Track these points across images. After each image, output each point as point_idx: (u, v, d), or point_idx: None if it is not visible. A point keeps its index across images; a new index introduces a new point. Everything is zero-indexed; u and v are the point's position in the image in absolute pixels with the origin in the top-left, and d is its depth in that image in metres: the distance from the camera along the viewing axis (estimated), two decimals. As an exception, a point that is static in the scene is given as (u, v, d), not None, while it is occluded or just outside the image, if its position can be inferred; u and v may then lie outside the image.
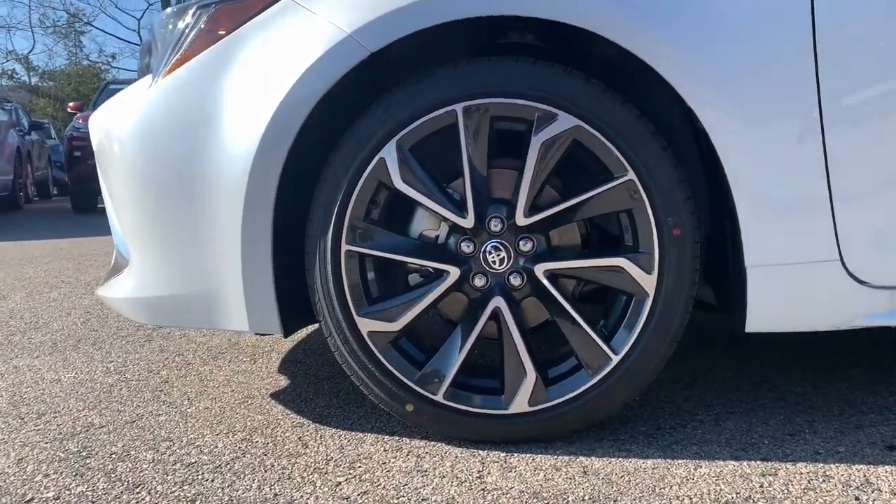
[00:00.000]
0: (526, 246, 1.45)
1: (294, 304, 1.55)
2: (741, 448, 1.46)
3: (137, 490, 1.35)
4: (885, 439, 1.47)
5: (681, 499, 1.26)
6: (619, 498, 1.27)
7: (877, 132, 1.38)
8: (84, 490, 1.36)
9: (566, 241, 1.52)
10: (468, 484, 1.34)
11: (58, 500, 1.33)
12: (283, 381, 1.96)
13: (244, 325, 1.51)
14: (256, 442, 1.55)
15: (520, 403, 1.46)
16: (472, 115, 1.41)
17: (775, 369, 1.93)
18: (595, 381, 1.45)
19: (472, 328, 1.47)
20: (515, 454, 1.45)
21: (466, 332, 1.47)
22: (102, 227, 1.89)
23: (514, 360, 1.46)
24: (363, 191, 1.44)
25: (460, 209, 1.45)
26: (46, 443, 1.59)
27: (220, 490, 1.34)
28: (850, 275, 1.39)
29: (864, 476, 1.32)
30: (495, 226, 1.44)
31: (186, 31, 1.58)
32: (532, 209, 1.44)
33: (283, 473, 1.40)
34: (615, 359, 1.44)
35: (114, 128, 1.66)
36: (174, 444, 1.56)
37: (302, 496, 1.31)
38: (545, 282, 1.45)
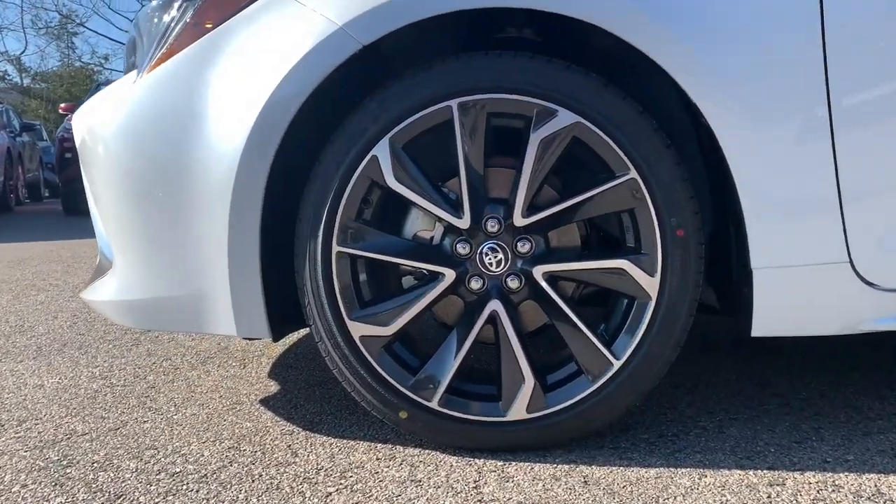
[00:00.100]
0: (524, 247, 1.40)
1: (284, 307, 1.50)
2: (747, 456, 1.41)
3: (118, 501, 1.30)
4: (894, 447, 1.43)
5: (686, 510, 1.21)
6: (621, 509, 1.22)
7: (887, 131, 1.33)
8: (63, 501, 1.31)
9: (566, 243, 1.47)
10: (464, 495, 1.29)
11: (35, 513, 1.27)
12: (273, 387, 1.90)
13: (231, 330, 1.45)
14: (244, 450, 1.50)
15: (517, 410, 1.41)
16: (468, 112, 1.35)
17: (779, 373, 1.89)
18: (595, 387, 1.40)
19: (468, 332, 1.42)
20: (513, 463, 1.40)
21: (462, 337, 1.42)
22: (93, 230, 1.82)
23: (511, 366, 1.41)
24: (355, 190, 1.39)
25: (456, 209, 1.40)
26: (26, 451, 1.53)
27: (204, 501, 1.29)
28: (859, 277, 1.35)
29: (875, 486, 1.28)
30: (492, 226, 1.39)
31: (172, 24, 1.53)
32: (530, 209, 1.38)
33: (271, 484, 1.34)
34: (616, 364, 1.39)
35: (97, 125, 1.61)
36: (159, 452, 1.50)
37: (290, 508, 1.26)
38: (544, 284, 1.40)
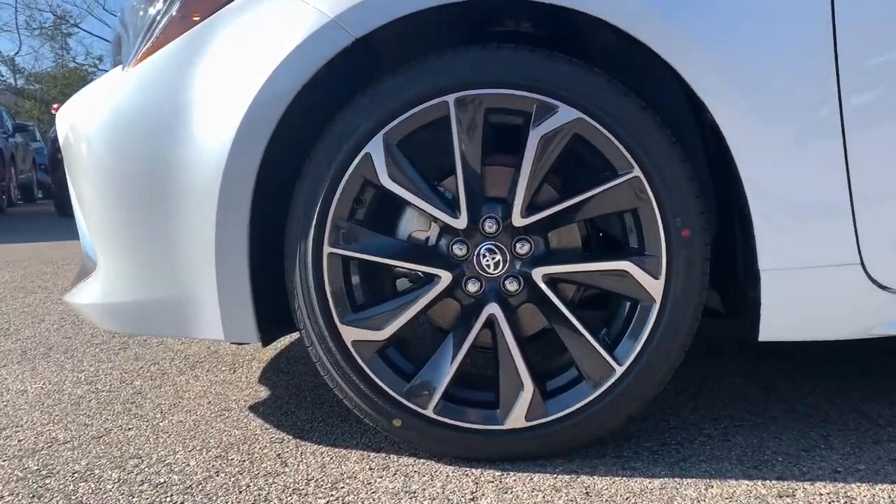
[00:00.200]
0: (523, 248, 1.35)
1: (273, 310, 1.44)
2: (754, 465, 1.35)
3: (99, 515, 1.24)
4: (907, 456, 1.38)
5: (693, 524, 1.16)
6: (625, 523, 1.17)
7: (899, 130, 1.28)
8: (40, 515, 1.25)
9: (566, 244, 1.41)
10: (461, 507, 1.23)
11: (10, 527, 1.21)
12: (264, 393, 1.85)
13: (219, 334, 1.40)
14: (232, 459, 1.44)
15: (516, 418, 1.35)
16: (465, 107, 1.30)
17: (784, 377, 1.84)
18: (597, 394, 1.35)
19: (464, 337, 1.36)
20: (511, 473, 1.34)
21: (459, 342, 1.37)
22: (84, 231, 1.76)
23: (510, 372, 1.35)
24: (347, 188, 1.34)
25: (452, 209, 1.34)
26: (4, 460, 1.47)
27: (189, 514, 1.23)
28: (871, 279, 1.30)
29: (889, 497, 1.22)
30: (490, 227, 1.34)
31: (158, 17, 1.47)
32: (530, 209, 1.33)
33: (259, 495, 1.29)
34: (619, 370, 1.34)
35: (79, 122, 1.55)
36: (143, 461, 1.44)
37: (279, 521, 1.20)
38: (543, 287, 1.35)
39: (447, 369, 1.36)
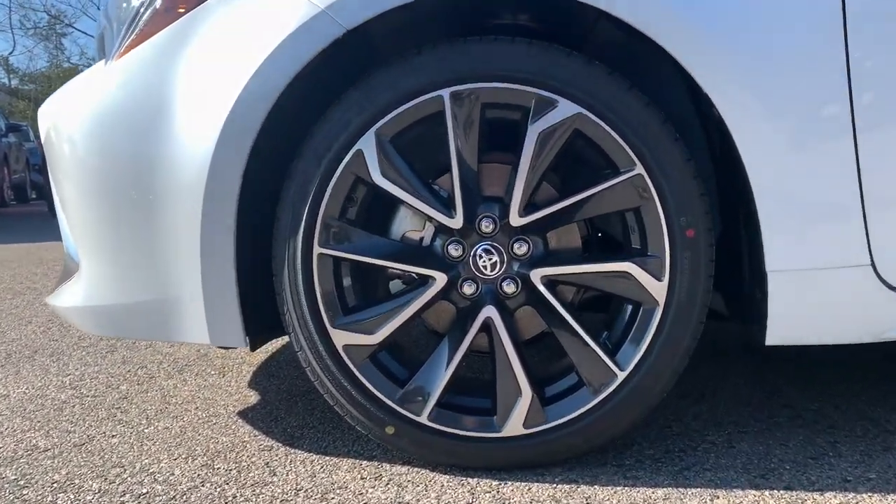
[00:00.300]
0: (521, 249, 1.30)
1: (262, 314, 1.39)
2: (760, 474, 1.31)
3: (77, 528, 1.19)
4: (918, 464, 1.33)
5: (699, 537, 1.11)
6: (628, 536, 1.11)
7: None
8: (16, 528, 1.19)
9: (565, 244, 1.36)
10: (456, 519, 1.18)
11: (-16, 541, 1.16)
12: (253, 398, 1.79)
13: (204, 338, 1.34)
14: (218, 468, 1.38)
15: (514, 425, 1.30)
16: (460, 102, 1.25)
17: (788, 381, 1.79)
18: (598, 400, 1.29)
19: (460, 341, 1.31)
20: (509, 483, 1.29)
21: (454, 346, 1.31)
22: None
23: (507, 377, 1.30)
24: (338, 186, 1.28)
25: (448, 208, 1.29)
26: (-18, 470, 1.42)
27: (172, 527, 1.18)
28: (882, 281, 1.25)
29: (902, 508, 1.18)
30: (487, 226, 1.29)
31: (142, 9, 1.41)
32: (528, 208, 1.28)
33: (245, 507, 1.23)
34: (621, 375, 1.29)
35: (60, 118, 1.49)
36: (125, 470, 1.39)
37: (266, 535, 1.15)
38: (542, 289, 1.29)
39: (442, 375, 1.31)
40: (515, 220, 1.28)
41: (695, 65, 1.21)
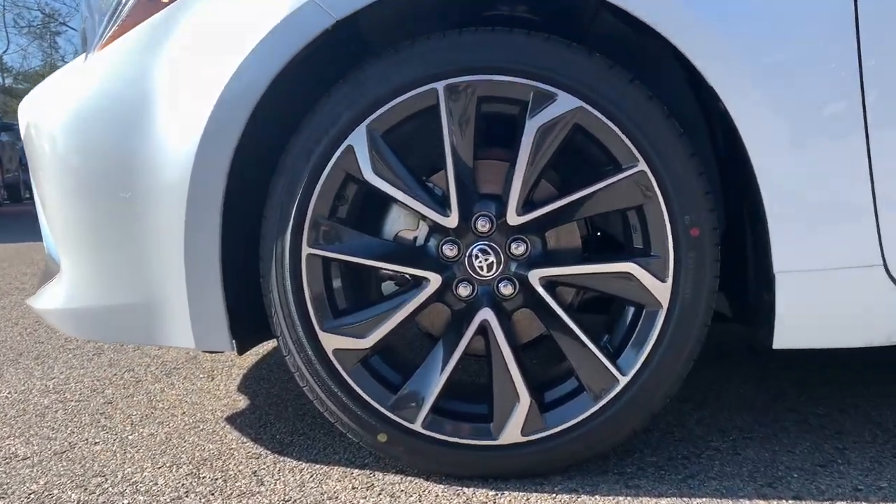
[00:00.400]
0: (518, 249, 1.24)
1: (249, 316, 1.33)
2: (767, 483, 1.26)
3: (54, 542, 1.13)
4: (931, 472, 1.28)
5: (705, 551, 1.06)
6: (631, 550, 1.06)
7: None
8: (-10, 542, 1.14)
9: (565, 244, 1.31)
10: (451, 532, 1.13)
11: (-45, 556, 1.10)
12: (242, 402, 1.74)
13: (189, 342, 1.29)
14: (204, 477, 1.33)
15: (511, 432, 1.25)
16: (456, 96, 1.20)
17: (791, 384, 1.74)
18: (599, 406, 1.24)
19: (455, 345, 1.26)
20: (506, 492, 1.24)
21: (449, 350, 1.26)
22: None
23: (504, 382, 1.25)
24: (328, 184, 1.23)
25: (442, 206, 1.24)
26: (-43, 479, 1.36)
27: (153, 541, 1.12)
28: (895, 282, 1.20)
29: (917, 519, 1.13)
30: (483, 225, 1.24)
31: (124, -1, 1.36)
32: (526, 206, 1.23)
33: (231, 519, 1.18)
34: (623, 380, 1.23)
35: (40, 114, 1.44)
36: (107, 480, 1.33)
37: (251, 549, 1.09)
38: (541, 291, 1.24)
39: (437, 380, 1.25)
40: (513, 218, 1.23)
41: (700, 57, 1.16)
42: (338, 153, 1.22)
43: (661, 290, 1.22)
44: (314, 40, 1.19)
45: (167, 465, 1.39)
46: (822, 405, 1.62)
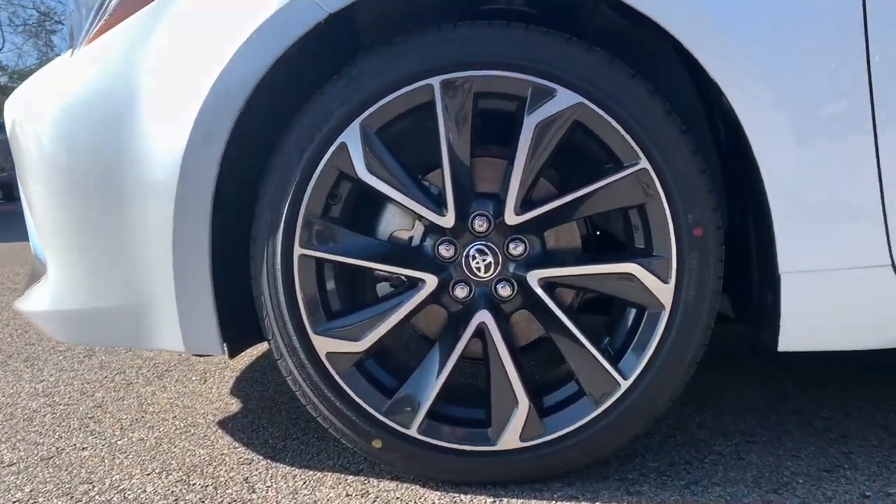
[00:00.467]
0: (517, 249, 1.21)
1: (240, 319, 1.30)
2: (773, 489, 1.22)
3: (37, 553, 1.09)
4: (939, 477, 1.25)
5: (710, 560, 1.03)
6: (634, 560, 1.03)
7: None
8: (-29, 553, 1.10)
9: (564, 244, 1.28)
10: (448, 541, 1.09)
11: (-65, 568, 1.06)
12: (235, 406, 1.70)
13: (178, 345, 1.25)
14: (194, 484, 1.29)
15: (510, 438, 1.22)
16: (452, 91, 1.16)
17: (794, 385, 1.71)
18: (600, 411, 1.21)
19: (452, 348, 1.22)
20: (504, 499, 1.21)
21: (446, 353, 1.23)
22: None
23: (502, 386, 1.22)
24: (320, 182, 1.19)
25: (438, 205, 1.20)
26: (-60, 487, 1.32)
27: (140, 552, 1.09)
28: (903, 282, 1.16)
29: (927, 527, 1.10)
30: (480, 225, 1.20)
31: (111, -8, 1.32)
32: (524, 205, 1.19)
33: (221, 528, 1.15)
34: (624, 384, 1.20)
35: (25, 111, 1.40)
36: (94, 487, 1.29)
37: (241, 560, 1.06)
38: (540, 292, 1.21)
39: (433, 384, 1.22)
40: (511, 218, 1.19)
41: (702, 51, 1.13)
42: (331, 151, 1.18)
43: (664, 292, 1.18)
44: (307, 35, 1.16)
45: (156, 471, 1.35)
46: (826, 407, 1.59)
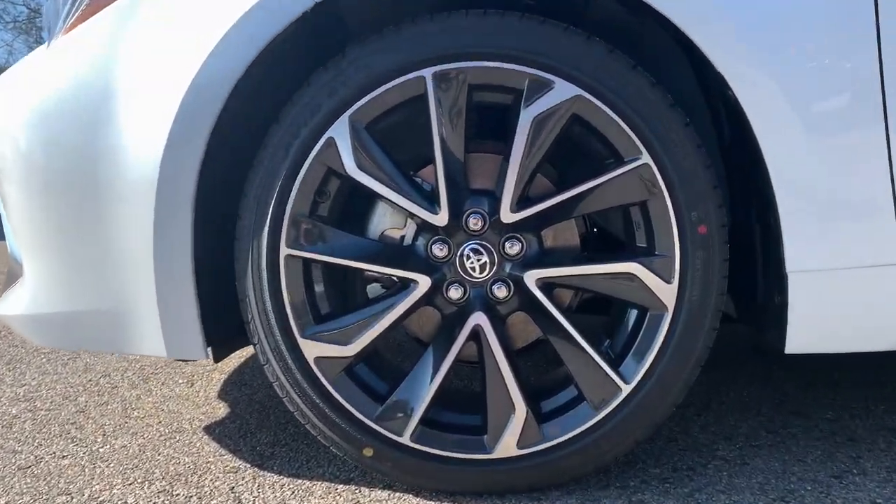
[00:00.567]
0: (513, 248, 1.16)
1: (225, 322, 1.25)
2: (780, 497, 1.18)
3: (10, 570, 1.04)
4: (952, 482, 1.21)
5: (717, 575, 0.98)
6: (637, 574, 0.98)
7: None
8: (-60, 571, 1.05)
9: (563, 243, 1.23)
10: (442, 555, 1.04)
11: None
12: (222, 410, 1.65)
13: (160, 350, 1.20)
14: (177, 495, 1.24)
15: (506, 445, 1.17)
16: (445, 83, 1.11)
17: (797, 386, 1.67)
18: (600, 417, 1.16)
19: (446, 351, 1.17)
20: (501, 509, 1.16)
21: (440, 357, 1.18)
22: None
23: (499, 392, 1.17)
24: (307, 179, 1.14)
25: (431, 203, 1.15)
26: (-88, 499, 1.27)
27: (119, 569, 1.03)
28: (916, 282, 1.12)
29: (942, 536, 1.05)
30: (475, 223, 1.15)
31: (89, -18, 1.26)
32: (521, 202, 1.14)
33: (204, 542, 1.09)
34: (625, 389, 1.15)
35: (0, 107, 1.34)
36: (72, 498, 1.24)
37: (225, 577, 1.01)
38: (537, 293, 1.16)
39: (426, 389, 1.17)
40: (507, 216, 1.14)
41: (706, 40, 1.08)
42: (318, 146, 1.13)
43: (667, 292, 1.14)
44: (293, 24, 1.11)
45: (139, 480, 1.30)
46: (831, 408, 1.55)
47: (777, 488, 1.21)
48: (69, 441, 1.50)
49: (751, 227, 1.26)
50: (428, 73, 1.11)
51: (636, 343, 1.17)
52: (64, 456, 1.42)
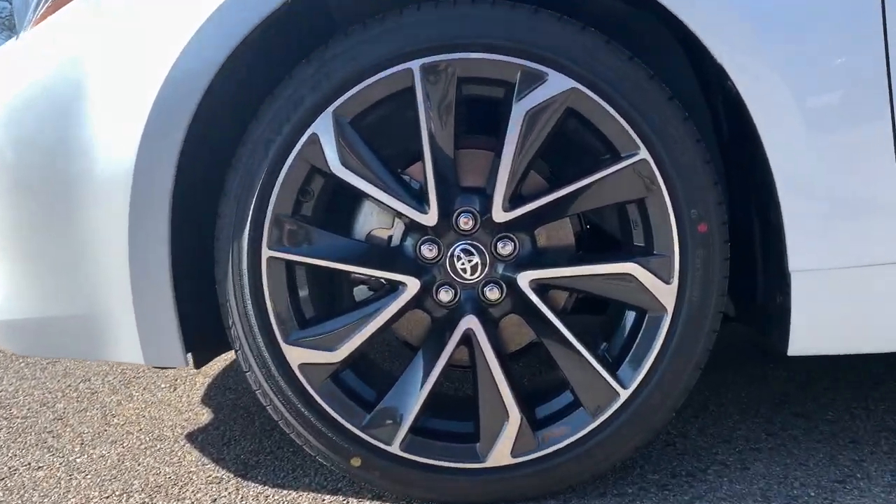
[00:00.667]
0: (505, 248, 1.11)
1: (206, 327, 1.19)
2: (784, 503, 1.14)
3: (-22, 592, 0.99)
4: (959, 487, 1.17)
5: (721, 589, 0.94)
6: (638, 590, 0.94)
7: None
8: None
9: (557, 242, 1.18)
10: (434, 570, 1.00)
11: None
12: (205, 416, 1.59)
13: (137, 357, 1.14)
14: (157, 508, 1.19)
15: (500, 454, 1.12)
16: (433, 76, 1.06)
17: (797, 386, 1.63)
18: (597, 423, 1.12)
19: (437, 356, 1.13)
20: (495, 520, 1.11)
21: (430, 362, 1.13)
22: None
23: (491, 398, 1.12)
24: (290, 178, 1.09)
25: (420, 201, 1.10)
26: None
27: (93, 590, 0.98)
28: (923, 280, 1.08)
29: (952, 545, 1.01)
30: (465, 223, 1.10)
31: (59, -29, 1.20)
32: (514, 201, 1.10)
33: (184, 559, 1.04)
34: (623, 394, 1.11)
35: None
36: (47, 513, 1.19)
37: None
38: (531, 295, 1.11)
39: (416, 396, 1.12)
40: (499, 214, 1.10)
41: (707, 32, 1.04)
42: (300, 143, 1.08)
43: (666, 293, 1.09)
44: (274, 13, 1.05)
45: (117, 493, 1.24)
46: (831, 409, 1.51)
47: (780, 494, 1.17)
48: (45, 451, 1.44)
49: (750, 224, 1.22)
50: (415, 65, 1.06)
51: (634, 346, 1.12)
52: (39, 467, 1.37)
